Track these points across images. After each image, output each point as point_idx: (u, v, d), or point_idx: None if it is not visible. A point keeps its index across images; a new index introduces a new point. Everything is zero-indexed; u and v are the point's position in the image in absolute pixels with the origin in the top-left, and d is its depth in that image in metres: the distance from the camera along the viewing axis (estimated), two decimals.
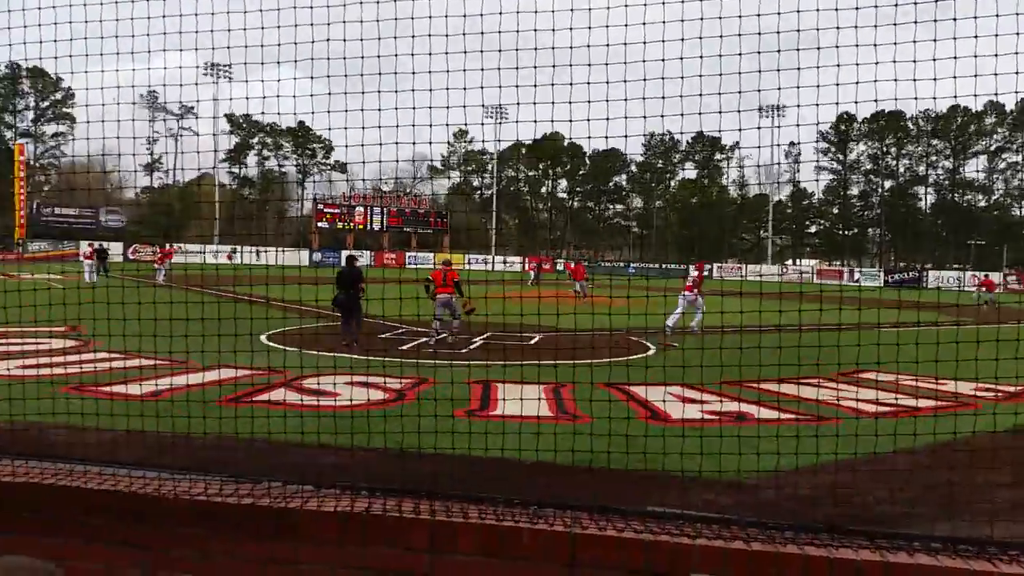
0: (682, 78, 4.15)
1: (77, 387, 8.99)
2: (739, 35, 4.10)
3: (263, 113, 4.70)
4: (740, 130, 4.59)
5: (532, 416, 8.16)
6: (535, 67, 4.09)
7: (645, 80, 4.14)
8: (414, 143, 4.42)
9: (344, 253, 16.12)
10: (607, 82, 4.09)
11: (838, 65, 4.12)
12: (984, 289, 34.79)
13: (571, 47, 4.02)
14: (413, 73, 4.27)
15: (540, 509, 2.54)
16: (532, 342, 14.83)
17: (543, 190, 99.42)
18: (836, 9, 4.12)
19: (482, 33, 4.18)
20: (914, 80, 4.11)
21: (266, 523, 2.57)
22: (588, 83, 4.09)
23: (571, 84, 4.02)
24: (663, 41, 4.12)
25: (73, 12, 4.65)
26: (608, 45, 4.06)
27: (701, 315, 18.17)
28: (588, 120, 4.22)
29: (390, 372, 11.00)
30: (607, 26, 4.12)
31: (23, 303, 4.61)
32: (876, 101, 4.29)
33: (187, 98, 77.52)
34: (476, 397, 9.56)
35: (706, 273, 20.06)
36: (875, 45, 4.13)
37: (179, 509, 2.63)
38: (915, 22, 4.11)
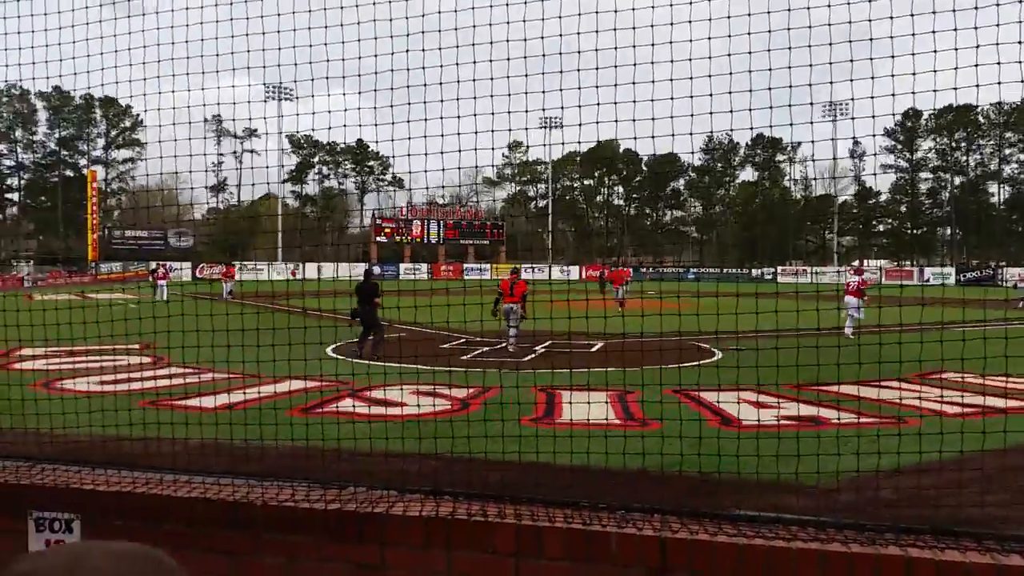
0: (746, 72, 4.06)
1: (155, 401, 9.27)
2: (788, 29, 3.99)
3: (328, 128, 4.77)
4: (796, 124, 4.49)
5: (599, 423, 8.08)
6: (601, 69, 4.06)
7: (703, 78, 4.07)
8: (461, 149, 4.44)
9: (363, 267, 16.17)
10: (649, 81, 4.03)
11: (913, 53, 3.98)
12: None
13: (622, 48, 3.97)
14: (457, 82, 4.28)
15: (628, 513, 2.48)
16: (593, 349, 14.71)
17: (599, 198, 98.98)
18: None
19: (525, 40, 4.18)
20: (974, 66, 3.94)
21: (352, 528, 2.58)
22: (634, 82, 4.03)
23: (616, 85, 3.98)
24: (709, 39, 4.04)
25: (136, 37, 4.82)
26: (652, 44, 4.01)
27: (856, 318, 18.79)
28: (635, 120, 4.16)
29: (453, 382, 11.05)
30: (652, 25, 4.06)
31: (99, 321, 4.76)
32: (956, 89, 4.13)
33: (250, 120, 79.88)
34: (541, 404, 9.52)
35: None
36: (950, 31, 3.97)
37: (266, 515, 2.65)
38: (975, 7, 3.94)
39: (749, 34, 4.08)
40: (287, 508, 2.61)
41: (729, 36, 4.07)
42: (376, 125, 4.73)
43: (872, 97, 3.87)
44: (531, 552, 2.47)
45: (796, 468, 4.07)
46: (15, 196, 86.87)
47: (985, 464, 5.58)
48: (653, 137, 4.12)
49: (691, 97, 4.02)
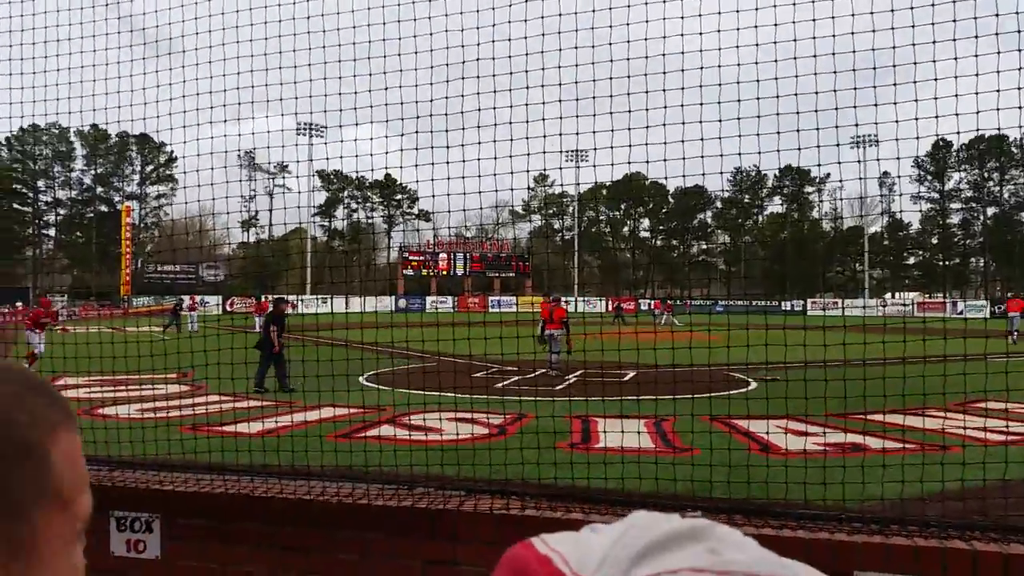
0: (767, 97, 4.15)
1: (196, 427, 9.42)
2: (815, 56, 4.07)
3: (355, 157, 4.93)
4: (834, 163, 4.53)
5: (637, 448, 8.06)
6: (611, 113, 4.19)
7: (732, 100, 4.16)
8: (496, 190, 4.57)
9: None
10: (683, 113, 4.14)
11: (934, 80, 4.06)
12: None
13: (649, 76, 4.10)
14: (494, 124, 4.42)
15: (693, 511, 2.53)
16: (626, 378, 14.72)
17: (625, 230, 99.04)
18: (912, 25, 4.06)
19: (559, 82, 4.32)
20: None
21: (423, 525, 2.66)
22: (664, 123, 4.14)
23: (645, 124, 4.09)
24: (735, 66, 4.14)
25: (170, 75, 5.04)
26: (676, 70, 4.13)
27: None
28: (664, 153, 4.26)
29: (488, 408, 11.12)
30: (683, 52, 4.18)
31: (137, 354, 4.91)
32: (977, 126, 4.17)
33: (281, 158, 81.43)
34: (577, 431, 9.55)
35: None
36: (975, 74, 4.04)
37: (340, 512, 2.74)
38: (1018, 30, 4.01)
39: (796, 76, 4.17)
40: (361, 506, 2.70)
41: (758, 77, 4.17)
42: (402, 152, 4.85)
43: (917, 116, 3.94)
44: None
45: (843, 493, 4.08)
46: (51, 232, 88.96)
47: None
48: (682, 175, 4.22)
49: (719, 121, 4.11)
